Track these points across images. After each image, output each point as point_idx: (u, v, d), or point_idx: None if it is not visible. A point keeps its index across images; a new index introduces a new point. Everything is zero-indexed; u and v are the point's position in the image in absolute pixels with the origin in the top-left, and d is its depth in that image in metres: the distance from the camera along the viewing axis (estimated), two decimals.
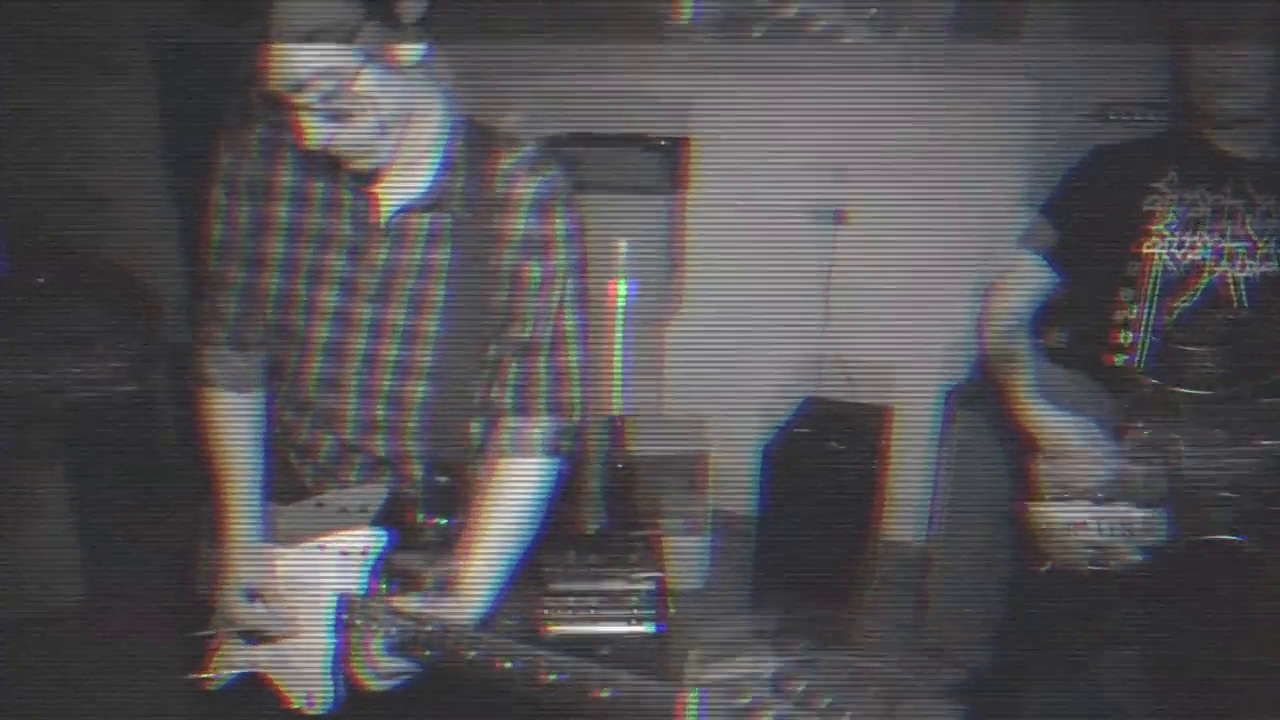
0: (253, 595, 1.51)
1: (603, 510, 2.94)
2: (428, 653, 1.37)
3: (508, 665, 1.30)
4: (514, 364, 1.51)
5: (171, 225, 3.60)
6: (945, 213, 3.10)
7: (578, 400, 1.54)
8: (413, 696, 1.44)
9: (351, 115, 1.30)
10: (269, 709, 1.50)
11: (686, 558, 3.12)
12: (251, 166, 1.47)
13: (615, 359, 3.19)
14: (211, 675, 1.54)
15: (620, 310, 3.16)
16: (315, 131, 1.30)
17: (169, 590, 2.04)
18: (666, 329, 3.44)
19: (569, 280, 1.50)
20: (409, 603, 1.43)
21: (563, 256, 1.48)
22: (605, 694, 1.24)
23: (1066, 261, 1.89)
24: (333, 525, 1.51)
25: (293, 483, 1.57)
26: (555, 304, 1.50)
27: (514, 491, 1.52)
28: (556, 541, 2.63)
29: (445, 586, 1.47)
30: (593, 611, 2.44)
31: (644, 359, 3.35)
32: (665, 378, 3.48)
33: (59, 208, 3.41)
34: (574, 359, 1.53)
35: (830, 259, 3.37)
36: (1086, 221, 1.86)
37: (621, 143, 3.17)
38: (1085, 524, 1.77)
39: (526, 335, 1.49)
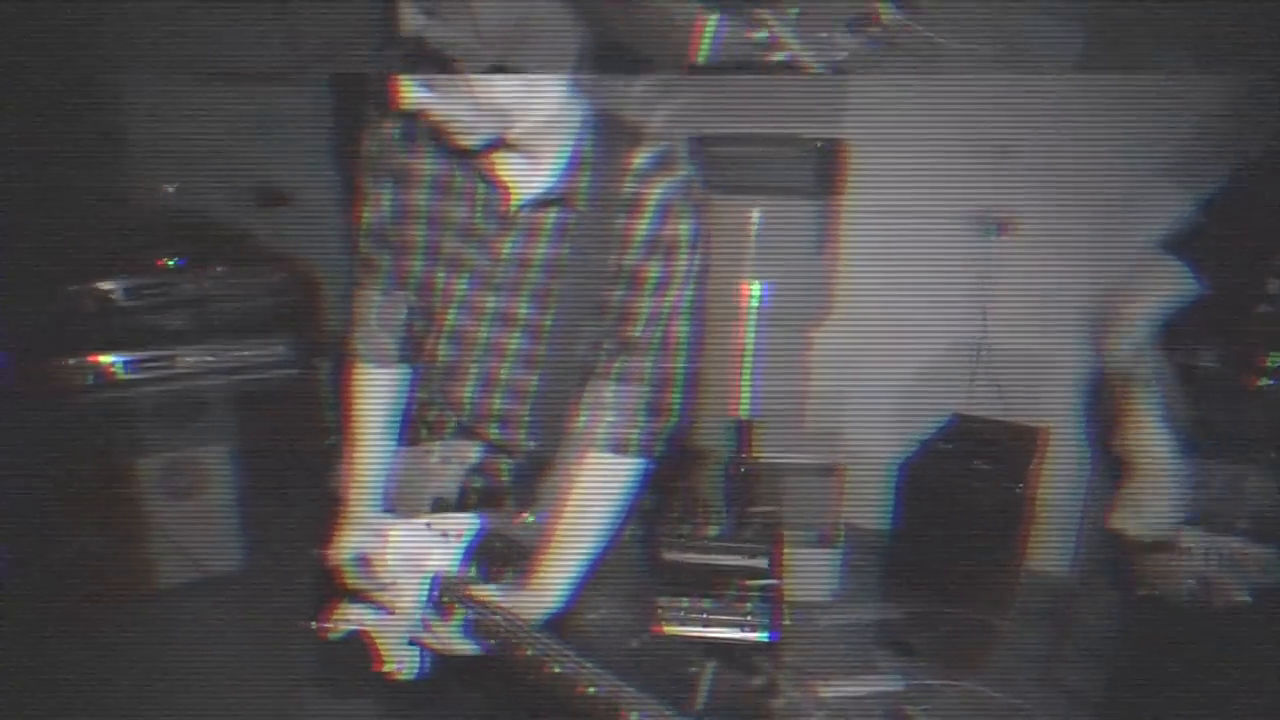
0: (363, 560, 1.60)
1: (725, 514, 2.99)
2: (492, 640, 1.46)
3: (555, 670, 1.37)
4: (619, 362, 1.54)
5: (338, 222, 3.93)
6: (1117, 225, 2.99)
7: (677, 405, 1.56)
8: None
9: (442, 87, 1.33)
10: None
11: (813, 569, 3.13)
12: (393, 154, 1.53)
13: (745, 362, 3.22)
14: (330, 626, 1.65)
15: (752, 312, 3.19)
16: (408, 94, 1.34)
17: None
18: (812, 335, 3.45)
19: (687, 286, 1.51)
20: (487, 590, 1.51)
21: (683, 261, 1.50)
22: (634, 717, 1.30)
23: (1211, 271, 1.79)
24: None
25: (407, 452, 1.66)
26: (669, 308, 1.52)
27: (601, 488, 1.56)
28: (677, 543, 2.70)
29: (522, 579, 1.53)
30: (706, 615, 2.49)
31: (785, 364, 3.38)
32: (807, 384, 3.50)
33: (239, 205, 3.79)
34: (680, 365, 1.55)
35: (990, 271, 3.30)
36: (1239, 231, 1.77)
37: (775, 143, 3.20)
38: (1189, 551, 1.71)
39: (637, 334, 1.52)
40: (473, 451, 1.62)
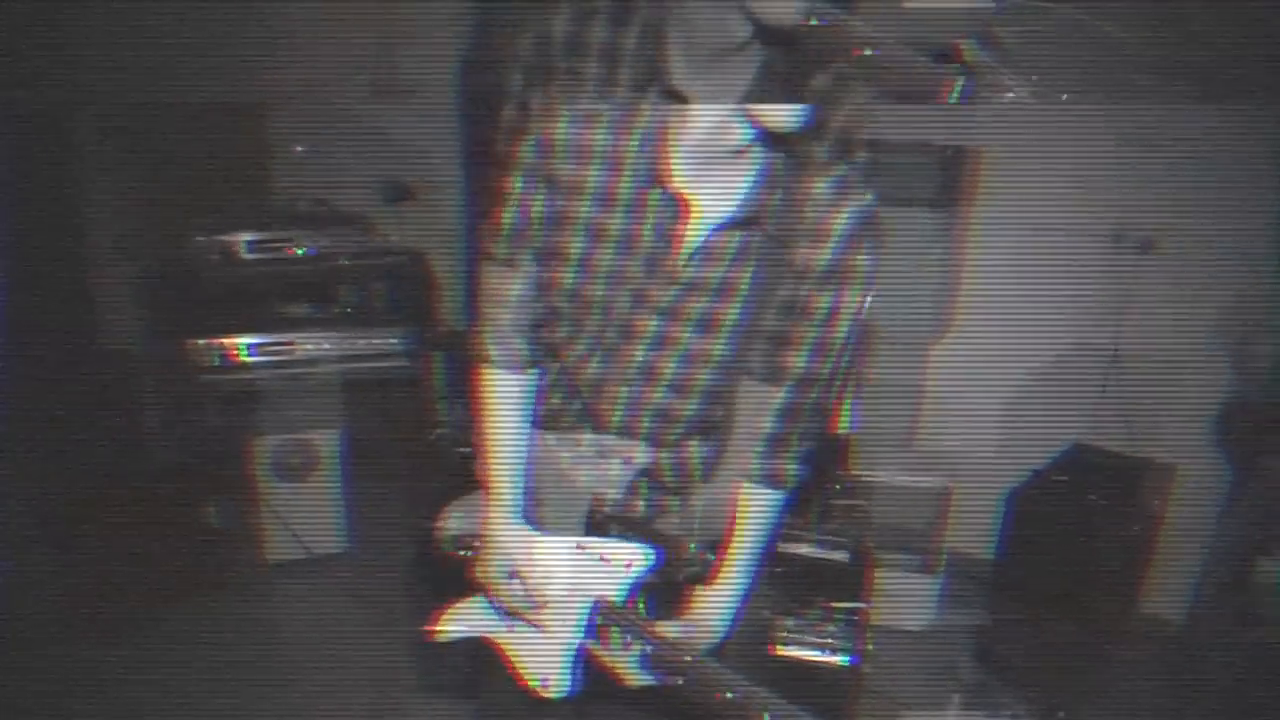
0: (513, 574, 1.60)
1: (811, 508, 2.98)
2: (680, 680, 1.44)
3: (728, 695, 1.38)
4: (781, 394, 1.51)
5: (461, 220, 4.13)
6: (1262, 248, 2.88)
7: (820, 436, 1.56)
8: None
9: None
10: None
11: (908, 595, 3.11)
12: (556, 160, 1.49)
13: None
14: (440, 629, 1.69)
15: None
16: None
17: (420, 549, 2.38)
18: (931, 352, 3.42)
19: (856, 318, 1.48)
20: (667, 628, 1.51)
21: (856, 294, 1.46)
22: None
23: None
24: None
25: (550, 465, 1.67)
26: (838, 341, 1.49)
27: (756, 521, 1.56)
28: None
29: (691, 613, 1.56)
30: (786, 635, 2.53)
31: (900, 380, 3.35)
32: (922, 403, 3.47)
33: (369, 200, 4.02)
34: (838, 394, 1.61)
35: (1128, 291, 3.20)
36: None
37: (903, 150, 3.17)
38: None
39: (800, 365, 1.49)
40: (638, 450, 1.62)
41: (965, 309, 3.35)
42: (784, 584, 2.61)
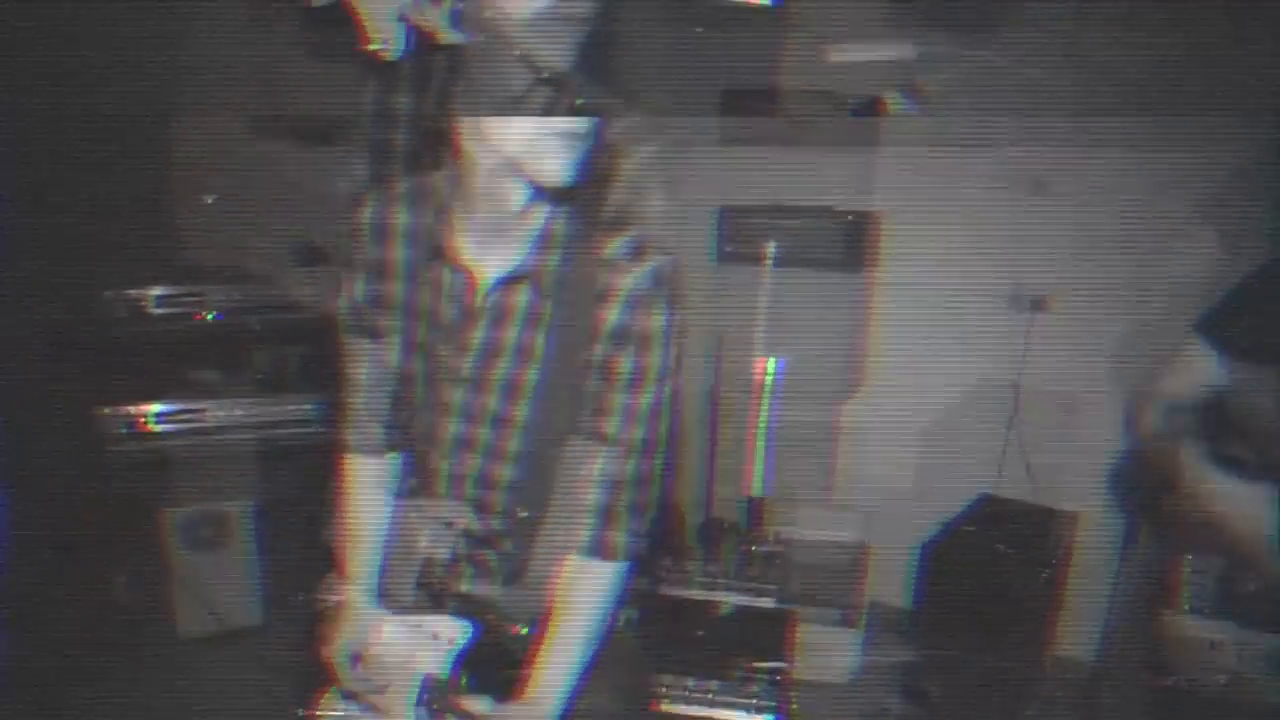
0: (356, 656, 1.63)
1: (732, 555, 3.05)
2: None
3: None
4: (600, 463, 1.52)
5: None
6: (1156, 301, 3.08)
7: (656, 504, 1.57)
8: None
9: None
10: None
11: (831, 649, 3.20)
12: (366, 241, 1.56)
13: (757, 438, 3.32)
14: (318, 713, 1.69)
15: (768, 388, 3.29)
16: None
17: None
18: (840, 410, 3.55)
19: (664, 383, 1.50)
20: (479, 705, 1.51)
21: (657, 356, 1.49)
22: None
23: (1245, 358, 1.81)
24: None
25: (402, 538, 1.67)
26: (647, 407, 1.51)
27: (587, 594, 1.54)
28: (685, 619, 2.78)
29: (514, 690, 1.52)
30: (711, 695, 2.57)
31: (810, 439, 3.47)
32: (834, 460, 3.60)
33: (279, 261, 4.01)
34: (660, 463, 1.55)
35: (1024, 348, 3.39)
36: (1271, 319, 1.79)
37: (807, 215, 3.32)
38: (1225, 645, 1.76)
39: (613, 432, 1.51)
40: (465, 516, 1.63)
41: (871, 369, 3.51)
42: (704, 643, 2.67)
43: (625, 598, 1.60)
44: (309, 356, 3.78)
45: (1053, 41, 3.05)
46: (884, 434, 3.51)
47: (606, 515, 1.54)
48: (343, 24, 1.63)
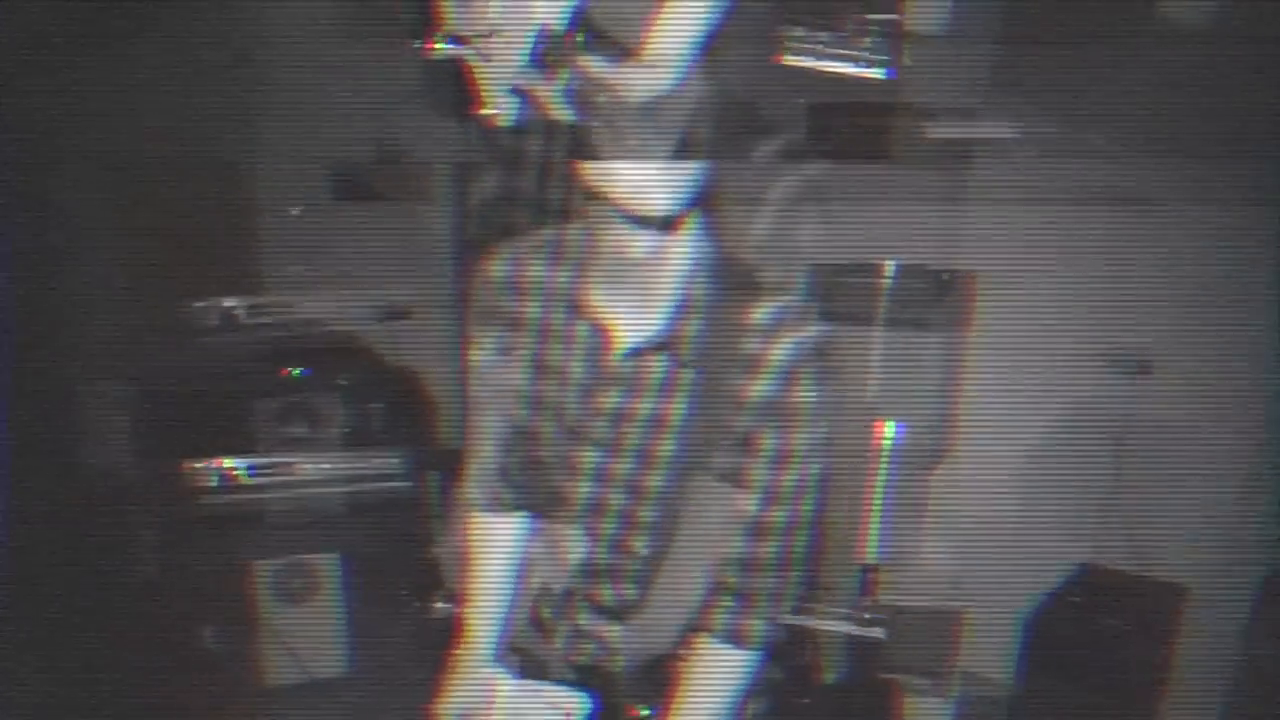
0: (464, 718, 1.64)
1: (844, 661, 3.10)
2: None
3: None
4: (739, 540, 1.50)
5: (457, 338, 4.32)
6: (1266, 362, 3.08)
7: (797, 590, 1.54)
8: None
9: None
10: None
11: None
12: (495, 297, 1.57)
13: (875, 505, 3.35)
14: None
15: (886, 453, 3.34)
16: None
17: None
18: (933, 475, 3.58)
19: (810, 461, 1.47)
20: None
21: (805, 433, 1.45)
22: None
23: None
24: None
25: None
26: (791, 485, 1.47)
27: (718, 680, 1.53)
28: (792, 687, 2.82)
29: None
30: (823, 47, 2.32)
31: (907, 505, 3.50)
32: (927, 526, 3.62)
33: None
34: (803, 545, 1.51)
35: (1127, 413, 3.41)
36: None
37: (900, 274, 3.39)
38: None
39: (754, 512, 1.48)
40: (579, 546, 1.62)
41: (967, 432, 3.54)
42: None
43: (757, 687, 1.58)
44: (393, 411, 3.95)
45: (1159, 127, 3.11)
46: (979, 499, 3.53)
47: (744, 599, 1.50)
48: (459, 80, 1.70)
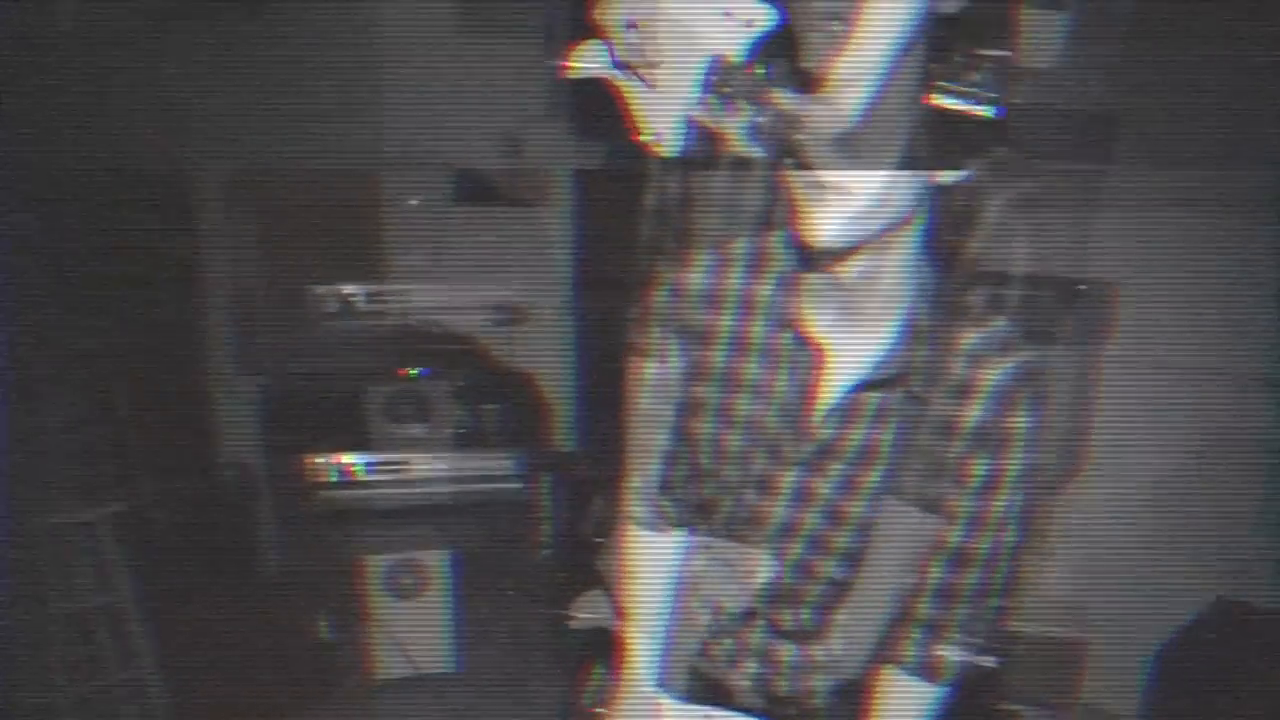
0: None
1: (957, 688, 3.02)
2: None
3: None
4: (937, 570, 1.45)
5: (573, 342, 4.39)
6: None
7: (992, 623, 1.48)
8: None
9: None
10: None
11: None
12: (684, 306, 1.51)
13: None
14: None
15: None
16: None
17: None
18: (1060, 496, 3.46)
19: (1018, 488, 1.41)
20: None
21: (1017, 459, 1.40)
22: None
23: None
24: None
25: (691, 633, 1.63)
26: (998, 514, 1.42)
27: (904, 715, 1.49)
28: None
29: None
30: None
31: (1030, 527, 3.40)
32: (1054, 550, 3.50)
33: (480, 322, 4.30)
34: (1003, 576, 1.45)
35: (1272, 435, 3.24)
36: None
37: (1031, 285, 3.29)
38: None
39: (955, 541, 1.43)
40: (766, 567, 1.55)
41: (1100, 451, 3.42)
42: None
43: None
44: (508, 413, 4.03)
45: None
46: (1108, 522, 3.40)
47: (936, 631, 1.46)
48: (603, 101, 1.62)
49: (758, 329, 1.47)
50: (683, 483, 1.58)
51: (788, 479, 1.48)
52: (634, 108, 1.39)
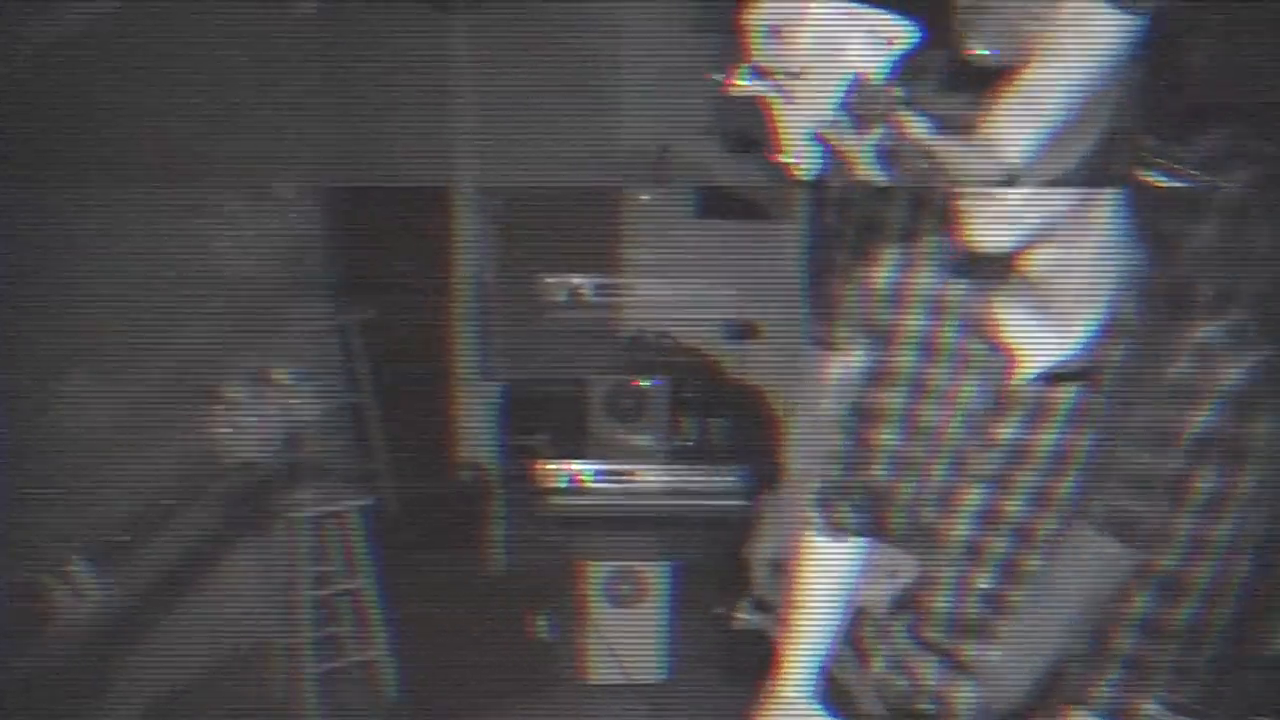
0: None
1: None
2: None
3: None
4: (1142, 600, 1.29)
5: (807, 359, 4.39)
6: None
7: (1209, 665, 1.32)
8: None
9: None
10: None
11: None
12: (873, 307, 1.44)
13: None
14: None
15: None
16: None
17: None
18: None
19: (1252, 508, 1.24)
20: None
21: (1253, 475, 1.23)
22: None
23: None
24: None
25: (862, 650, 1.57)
26: (1224, 537, 1.25)
27: None
28: None
29: None
30: None
31: None
32: None
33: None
34: (1226, 611, 1.28)
35: None
36: None
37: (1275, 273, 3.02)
38: None
39: (1170, 566, 1.27)
40: (946, 594, 1.45)
41: None
42: None
43: None
44: (736, 428, 4.09)
45: None
46: None
47: (1139, 672, 1.31)
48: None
49: (947, 333, 1.37)
50: (861, 490, 1.50)
51: (972, 497, 1.38)
52: (775, 123, 1.34)
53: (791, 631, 1.57)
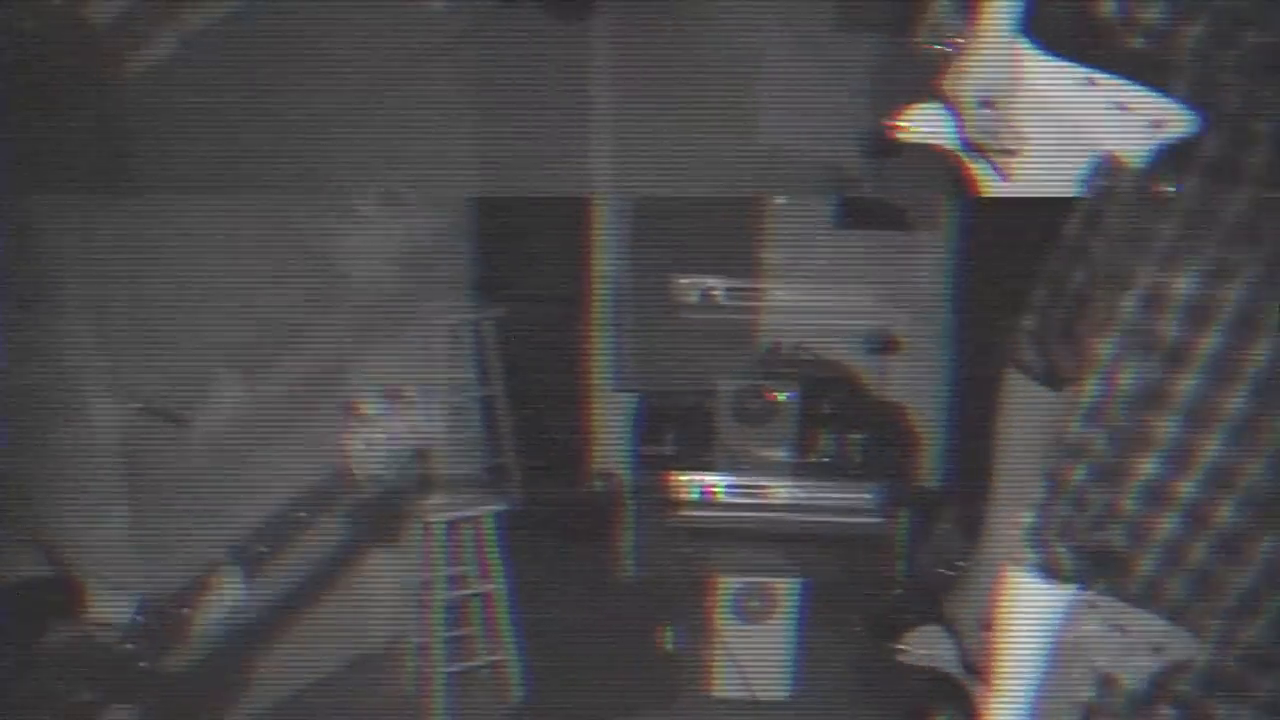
0: None
1: None
2: None
3: None
4: None
5: (950, 375, 4.30)
6: None
7: None
8: None
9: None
10: None
11: None
12: (1163, 319, 1.28)
13: None
14: None
15: None
16: None
17: None
18: None
19: None
20: None
21: None
22: None
23: None
24: None
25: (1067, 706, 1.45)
26: None
27: None
28: None
29: None
30: None
31: None
32: None
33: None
34: None
35: None
36: None
37: None
38: None
39: None
40: (1175, 641, 1.35)
41: None
42: None
43: None
44: (874, 444, 4.02)
45: None
46: None
47: None
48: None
49: (1257, 353, 1.22)
50: (1089, 528, 1.35)
51: (1262, 545, 1.24)
52: (982, 188, 1.27)
53: (994, 681, 1.48)
